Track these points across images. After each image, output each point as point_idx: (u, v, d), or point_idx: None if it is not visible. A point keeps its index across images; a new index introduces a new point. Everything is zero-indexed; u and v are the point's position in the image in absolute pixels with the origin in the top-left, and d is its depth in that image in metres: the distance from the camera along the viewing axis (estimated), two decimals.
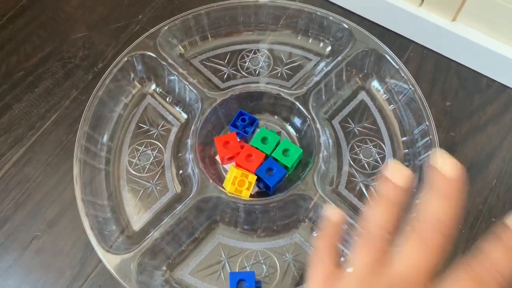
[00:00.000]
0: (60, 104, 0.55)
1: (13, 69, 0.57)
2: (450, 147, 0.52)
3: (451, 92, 0.55)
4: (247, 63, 0.56)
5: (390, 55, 0.52)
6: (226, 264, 0.46)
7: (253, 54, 0.57)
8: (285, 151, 0.48)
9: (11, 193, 0.50)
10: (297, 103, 0.50)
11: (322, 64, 0.55)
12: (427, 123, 0.49)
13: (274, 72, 0.56)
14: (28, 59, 0.58)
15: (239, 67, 0.56)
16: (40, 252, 0.48)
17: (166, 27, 0.54)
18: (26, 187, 0.51)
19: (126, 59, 0.52)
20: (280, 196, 0.46)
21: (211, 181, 0.46)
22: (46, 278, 0.47)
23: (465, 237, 0.48)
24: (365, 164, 0.51)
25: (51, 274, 0.47)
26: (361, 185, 0.49)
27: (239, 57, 0.56)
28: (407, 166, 0.50)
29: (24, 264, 0.47)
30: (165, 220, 0.45)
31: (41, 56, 0.58)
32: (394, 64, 0.52)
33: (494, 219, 0.48)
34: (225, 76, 0.55)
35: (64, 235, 0.48)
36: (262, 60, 0.56)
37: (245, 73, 0.56)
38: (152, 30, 0.54)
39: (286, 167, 0.48)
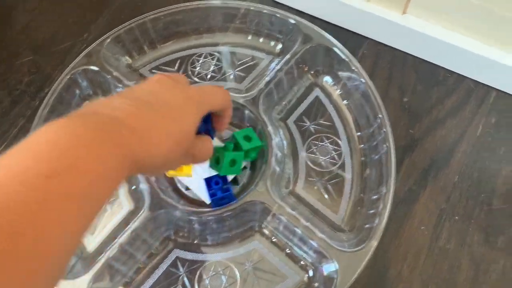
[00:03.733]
0: (8, 133, 0.53)
1: None
2: (411, 145, 0.50)
3: (408, 87, 0.54)
4: (198, 67, 0.55)
5: (339, 49, 0.50)
6: (185, 277, 0.45)
7: (203, 58, 0.55)
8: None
9: None
10: (247, 106, 0.49)
11: (274, 62, 0.53)
12: (380, 115, 0.47)
13: (227, 75, 0.54)
14: None
15: (190, 72, 0.55)
16: None
17: (109, 39, 0.52)
18: None
19: (68, 76, 0.50)
20: (233, 205, 0.44)
21: (161, 195, 0.45)
22: None
23: (428, 237, 0.46)
24: (322, 162, 0.49)
25: None
26: (319, 184, 0.48)
27: (189, 63, 0.55)
28: (364, 161, 0.49)
29: None
30: (118, 239, 0.44)
31: None
32: (344, 57, 0.50)
33: (457, 217, 0.47)
34: None
35: None
36: (213, 64, 0.55)
37: (197, 78, 0.54)
38: (95, 43, 0.52)
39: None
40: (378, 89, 0.50)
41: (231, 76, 0.54)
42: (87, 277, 0.42)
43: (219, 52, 0.55)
